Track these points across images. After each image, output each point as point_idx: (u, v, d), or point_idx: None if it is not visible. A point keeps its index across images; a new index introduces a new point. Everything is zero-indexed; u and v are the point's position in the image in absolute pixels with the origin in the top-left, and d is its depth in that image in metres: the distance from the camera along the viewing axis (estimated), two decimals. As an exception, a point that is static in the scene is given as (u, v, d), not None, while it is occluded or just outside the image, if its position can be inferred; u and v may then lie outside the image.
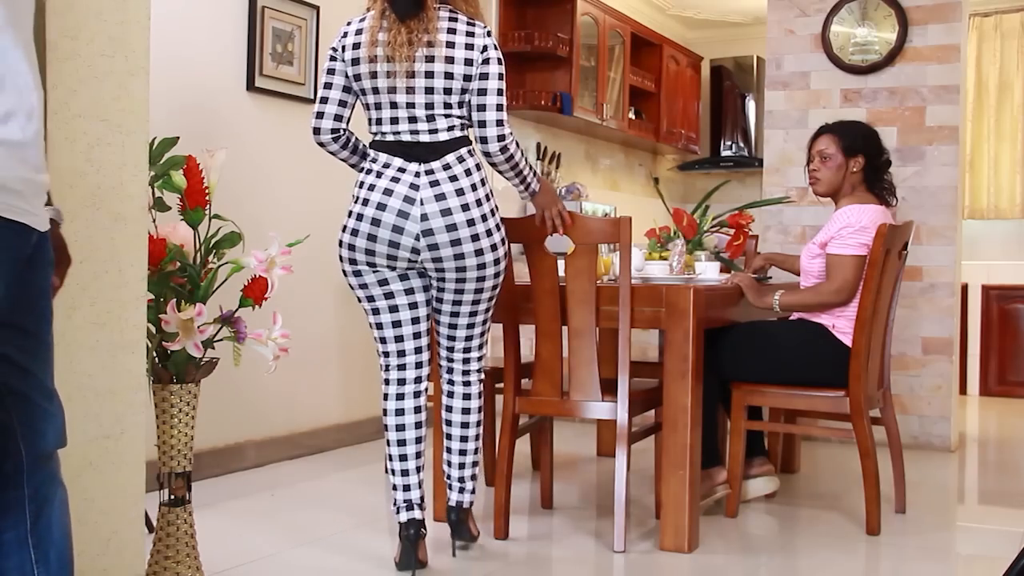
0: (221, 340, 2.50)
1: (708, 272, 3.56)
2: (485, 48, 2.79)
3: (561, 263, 3.17)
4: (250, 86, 4.21)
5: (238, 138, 4.13)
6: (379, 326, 2.90)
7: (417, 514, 2.85)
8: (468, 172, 2.79)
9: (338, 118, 2.88)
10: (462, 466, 3.03)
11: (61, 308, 2.06)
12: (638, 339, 5.17)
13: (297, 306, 4.37)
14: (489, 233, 2.81)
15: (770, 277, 3.90)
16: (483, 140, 2.83)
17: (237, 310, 2.53)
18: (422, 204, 2.74)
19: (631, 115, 7.10)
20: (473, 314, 2.94)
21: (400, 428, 2.89)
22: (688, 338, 3.04)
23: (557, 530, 3.42)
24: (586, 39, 6.36)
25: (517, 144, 2.90)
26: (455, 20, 2.79)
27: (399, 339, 2.90)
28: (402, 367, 2.91)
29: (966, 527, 3.76)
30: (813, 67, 5.15)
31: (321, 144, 2.93)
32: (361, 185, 2.83)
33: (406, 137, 2.79)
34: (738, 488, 3.51)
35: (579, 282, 3.12)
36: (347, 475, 4.17)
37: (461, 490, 3.02)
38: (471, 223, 2.76)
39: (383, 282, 2.84)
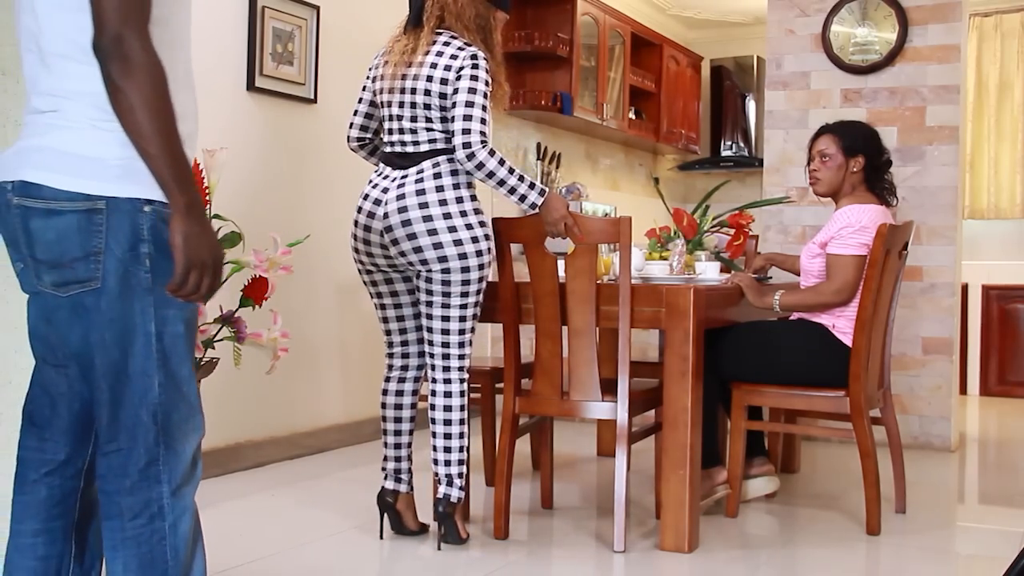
0: (221, 340, 2.50)
1: (708, 272, 3.56)
2: (462, 68, 2.94)
3: (561, 263, 3.17)
4: (250, 86, 4.21)
5: (238, 138, 4.13)
6: (379, 318, 3.23)
7: (388, 484, 3.16)
8: (438, 176, 2.98)
9: (363, 128, 3.21)
10: (447, 463, 3.09)
11: (61, 308, 2.06)
12: (638, 339, 5.17)
13: (297, 306, 4.37)
14: (452, 230, 2.94)
15: (770, 277, 3.90)
16: (454, 148, 2.94)
17: (237, 310, 2.54)
18: (385, 205, 2.98)
19: (631, 115, 7.10)
20: (445, 307, 3.03)
21: (382, 406, 3.22)
22: (688, 338, 3.04)
23: (557, 530, 3.42)
24: (586, 39, 6.36)
25: (492, 153, 2.91)
26: (447, 44, 2.97)
27: (388, 332, 3.22)
28: (391, 355, 3.22)
29: (966, 527, 3.76)
30: (813, 67, 5.15)
31: (352, 150, 3.27)
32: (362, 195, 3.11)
33: (397, 148, 3.05)
34: (738, 488, 3.51)
35: (579, 282, 3.11)
36: (347, 475, 4.17)
37: (449, 484, 3.08)
38: (427, 219, 2.94)
39: (376, 279, 3.14)
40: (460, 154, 2.90)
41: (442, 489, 3.08)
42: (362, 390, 4.82)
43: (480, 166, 2.90)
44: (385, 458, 3.19)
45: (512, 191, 2.97)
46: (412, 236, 2.94)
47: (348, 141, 3.24)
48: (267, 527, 3.33)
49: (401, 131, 3.03)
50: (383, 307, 3.19)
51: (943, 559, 3.27)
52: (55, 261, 1.61)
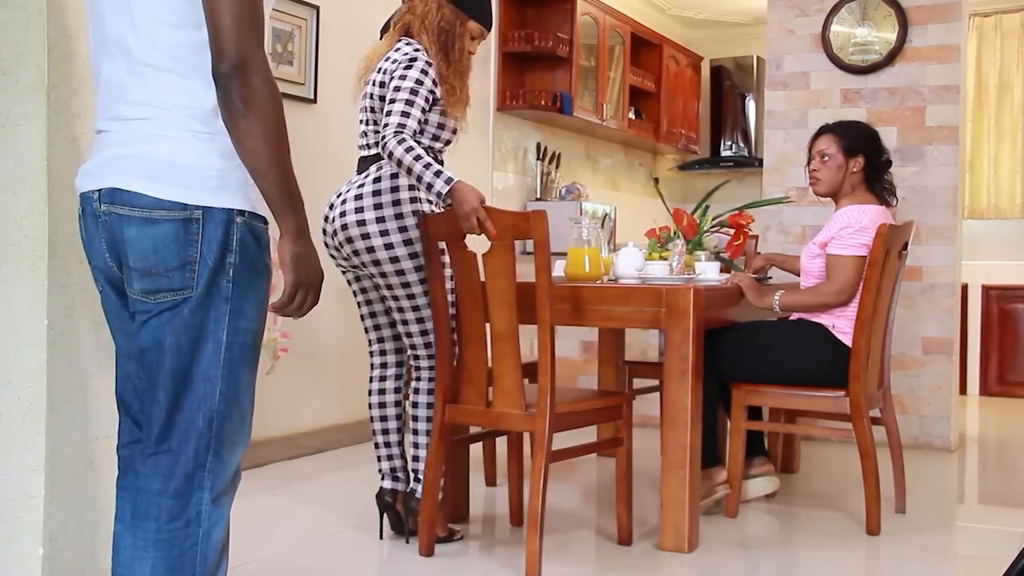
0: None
1: (708, 272, 3.56)
2: (395, 69, 2.99)
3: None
4: (250, 86, 4.21)
5: (238, 138, 4.12)
6: (359, 316, 3.29)
7: (386, 483, 3.16)
8: (377, 180, 3.02)
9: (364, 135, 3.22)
10: (416, 459, 3.13)
11: (61, 308, 2.06)
12: (638, 339, 5.18)
13: (297, 306, 4.36)
14: (385, 233, 2.98)
15: (770, 277, 3.90)
16: None
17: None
18: (334, 210, 3.07)
19: (631, 115, 7.10)
20: (401, 312, 3.09)
21: (368, 406, 3.23)
22: (688, 338, 3.04)
23: (553, 531, 3.41)
24: (586, 39, 6.36)
25: (402, 142, 2.85)
26: (398, 50, 3.04)
27: (365, 330, 3.26)
28: (371, 353, 3.25)
29: (966, 527, 3.76)
30: (813, 67, 5.15)
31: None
32: None
33: (361, 152, 3.15)
34: (738, 488, 3.51)
35: (498, 281, 2.86)
36: (347, 475, 4.17)
37: (416, 480, 3.12)
38: (361, 223, 2.99)
39: (349, 278, 3.22)
40: (380, 142, 2.95)
41: (411, 484, 3.14)
42: (362, 390, 4.79)
43: (390, 155, 2.88)
44: (378, 458, 3.20)
45: (419, 179, 2.86)
46: (350, 240, 3.02)
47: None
48: (267, 527, 3.33)
49: (362, 135, 3.14)
50: (358, 304, 3.25)
51: (943, 559, 3.27)
52: (150, 269, 1.62)
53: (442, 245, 3.00)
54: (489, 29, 3.18)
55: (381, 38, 3.19)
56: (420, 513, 3.02)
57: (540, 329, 2.82)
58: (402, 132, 2.88)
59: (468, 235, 2.90)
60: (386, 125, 2.90)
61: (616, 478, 3.12)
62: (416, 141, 2.90)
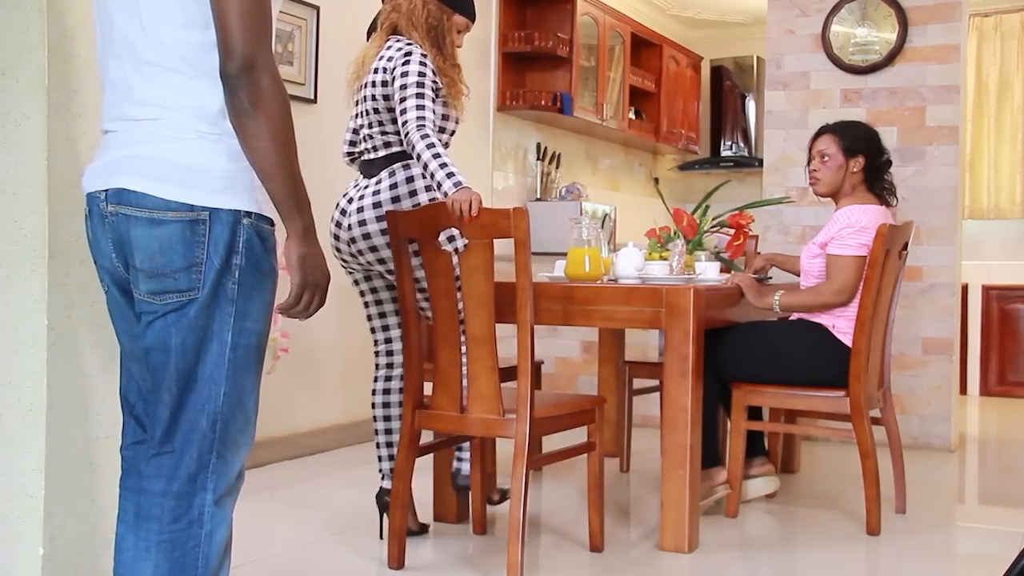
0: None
1: (708, 272, 3.56)
2: (394, 67, 2.98)
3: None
4: (250, 86, 4.21)
5: (238, 138, 4.12)
6: (365, 316, 3.28)
7: (387, 483, 3.15)
8: (393, 187, 3.04)
9: (351, 143, 3.28)
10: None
11: (61, 308, 2.06)
12: (638, 339, 5.18)
13: (297, 306, 4.36)
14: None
15: (770, 277, 3.90)
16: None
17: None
18: (348, 216, 3.06)
19: (631, 115, 7.10)
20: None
21: (372, 406, 3.23)
22: (688, 338, 3.04)
23: (551, 531, 3.41)
24: (586, 39, 6.36)
25: (424, 137, 2.83)
26: (390, 47, 3.04)
27: (372, 330, 3.25)
28: (376, 354, 3.23)
29: (966, 527, 3.76)
30: (813, 67, 5.15)
31: (347, 164, 3.35)
32: None
33: (367, 156, 3.15)
34: (738, 488, 3.51)
35: (475, 281, 2.75)
36: (347, 475, 4.17)
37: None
38: (384, 232, 2.98)
39: (358, 278, 3.20)
40: (404, 139, 2.93)
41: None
42: (362, 390, 4.80)
43: (413, 148, 2.87)
44: (380, 458, 3.20)
45: (432, 176, 2.82)
46: (374, 249, 3.03)
47: (343, 157, 3.32)
48: (268, 527, 3.33)
49: (365, 139, 3.13)
50: (366, 304, 3.23)
51: (943, 559, 3.27)
52: (156, 271, 1.62)
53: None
54: (473, 21, 3.19)
55: (368, 39, 3.19)
56: (391, 523, 2.91)
57: (520, 331, 2.72)
58: (423, 125, 2.87)
59: (445, 235, 2.89)
60: (405, 122, 2.89)
61: (588, 483, 3.02)
62: (434, 133, 2.89)
